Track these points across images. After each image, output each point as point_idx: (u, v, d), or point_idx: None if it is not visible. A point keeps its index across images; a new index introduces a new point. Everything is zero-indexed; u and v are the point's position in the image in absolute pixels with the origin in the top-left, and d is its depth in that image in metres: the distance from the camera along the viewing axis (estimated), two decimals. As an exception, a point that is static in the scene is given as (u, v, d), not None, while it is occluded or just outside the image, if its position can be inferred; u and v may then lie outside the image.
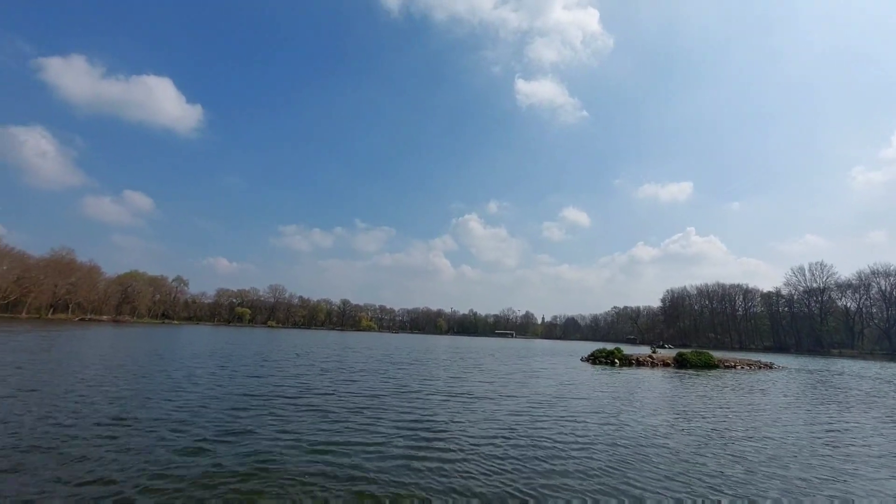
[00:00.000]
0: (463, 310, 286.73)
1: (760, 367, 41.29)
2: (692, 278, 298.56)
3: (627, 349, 59.56)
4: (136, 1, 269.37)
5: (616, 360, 40.56)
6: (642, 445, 10.31)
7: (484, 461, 8.50)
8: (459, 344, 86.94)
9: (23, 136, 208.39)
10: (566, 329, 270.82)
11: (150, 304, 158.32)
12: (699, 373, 34.32)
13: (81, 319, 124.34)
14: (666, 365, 39.75)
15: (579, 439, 10.65)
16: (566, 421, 12.86)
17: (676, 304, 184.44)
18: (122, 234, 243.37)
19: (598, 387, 22.55)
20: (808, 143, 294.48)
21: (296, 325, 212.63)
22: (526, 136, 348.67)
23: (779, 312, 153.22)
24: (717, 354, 49.80)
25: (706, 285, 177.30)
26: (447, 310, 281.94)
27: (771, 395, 22.00)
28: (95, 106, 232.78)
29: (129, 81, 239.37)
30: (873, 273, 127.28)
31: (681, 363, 40.04)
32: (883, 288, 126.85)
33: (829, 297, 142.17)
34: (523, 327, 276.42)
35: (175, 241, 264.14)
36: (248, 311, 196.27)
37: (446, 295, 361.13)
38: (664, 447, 10.22)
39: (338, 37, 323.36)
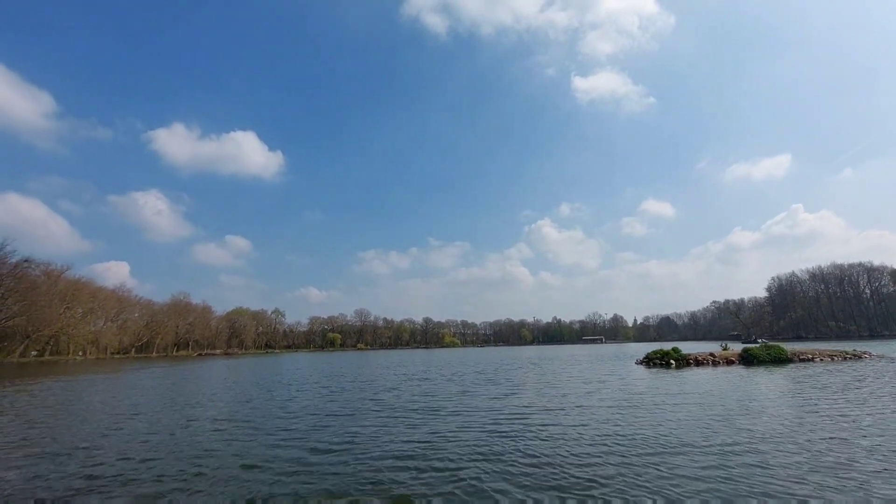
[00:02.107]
0: (546, 318, 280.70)
1: (847, 358, 36.57)
2: (806, 261, 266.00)
3: (706, 348, 55.41)
4: (215, 66, 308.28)
5: (672, 362, 38.40)
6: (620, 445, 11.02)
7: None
8: (534, 354, 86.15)
9: (142, 200, 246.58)
10: (661, 329, 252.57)
11: (254, 336, 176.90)
12: (769, 369, 31.50)
13: (199, 354, 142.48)
14: (730, 363, 36.85)
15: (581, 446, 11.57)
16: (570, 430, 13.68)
17: (785, 293, 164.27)
18: (227, 274, 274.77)
19: (640, 391, 22.35)
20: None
21: (382, 346, 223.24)
22: (590, 132, 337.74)
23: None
24: (821, 346, 44.61)
25: (819, 268, 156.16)
26: (530, 319, 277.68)
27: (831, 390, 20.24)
28: (195, 165, 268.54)
29: (221, 139, 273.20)
30: None
31: (747, 360, 36.89)
32: None
33: None
34: (612, 331, 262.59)
35: (271, 276, 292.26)
36: (339, 335, 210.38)
37: (527, 304, 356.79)
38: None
39: (391, 69, 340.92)
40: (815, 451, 9.50)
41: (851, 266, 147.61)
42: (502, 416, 15.02)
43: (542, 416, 14.84)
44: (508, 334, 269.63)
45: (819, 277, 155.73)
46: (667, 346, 47.18)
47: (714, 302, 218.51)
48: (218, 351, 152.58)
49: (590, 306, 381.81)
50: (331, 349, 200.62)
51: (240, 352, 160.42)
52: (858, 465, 8.47)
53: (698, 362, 37.54)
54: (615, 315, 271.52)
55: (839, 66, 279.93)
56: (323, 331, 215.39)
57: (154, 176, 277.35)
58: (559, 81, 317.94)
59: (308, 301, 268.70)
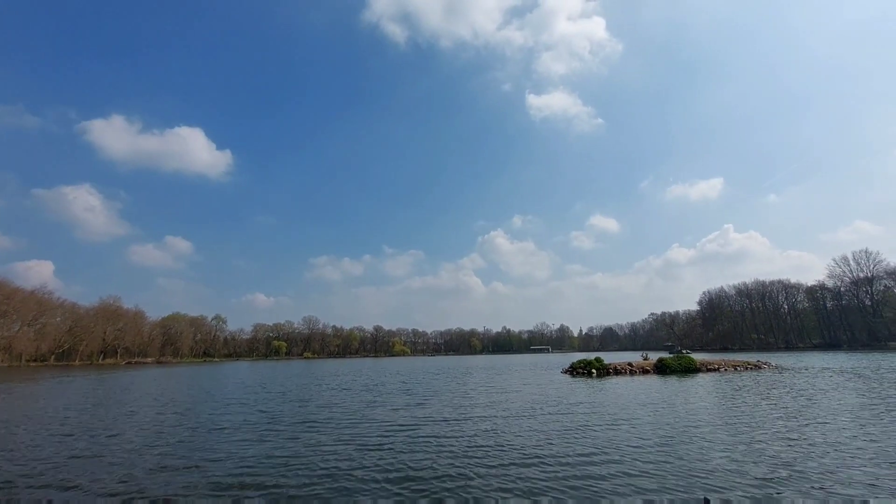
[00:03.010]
0: (497, 328, 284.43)
1: (748, 368, 39.60)
2: (736, 277, 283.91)
3: (635, 357, 58.13)
4: (164, 59, 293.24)
5: (594, 371, 40.08)
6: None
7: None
8: (477, 363, 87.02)
9: (72, 195, 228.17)
10: (604, 340, 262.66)
11: (191, 344, 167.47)
12: (680, 378, 33.43)
13: (129, 363, 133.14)
14: (645, 372, 38.91)
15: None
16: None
17: (714, 307, 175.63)
18: (165, 277, 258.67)
19: (548, 397, 22.99)
20: (845, 126, 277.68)
21: (331, 355, 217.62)
22: (543, 148, 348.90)
23: (826, 307, 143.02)
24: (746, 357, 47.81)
25: (745, 284, 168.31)
26: (480, 329, 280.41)
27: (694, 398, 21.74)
28: (135, 160, 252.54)
29: (164, 134, 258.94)
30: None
31: (661, 369, 39.11)
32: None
33: (885, 285, 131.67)
34: (559, 341, 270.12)
35: (214, 280, 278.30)
36: (285, 343, 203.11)
37: (479, 313, 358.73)
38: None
39: (352, 74, 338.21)
40: (668, 459, 10.23)
41: (772, 283, 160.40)
42: (392, 428, 15.08)
43: (434, 427, 15.04)
44: (459, 343, 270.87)
45: (744, 293, 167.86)
46: (609, 355, 49.27)
47: (652, 314, 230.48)
48: (149, 359, 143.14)
49: (540, 316, 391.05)
50: (275, 358, 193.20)
51: (174, 360, 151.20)
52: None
53: (617, 371, 39.38)
54: (562, 325, 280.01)
55: (767, 98, 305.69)
56: (268, 338, 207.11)
57: (87, 170, 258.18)
58: (514, 97, 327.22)
59: (254, 307, 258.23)
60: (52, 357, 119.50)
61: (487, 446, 11.90)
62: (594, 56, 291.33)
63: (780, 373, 35.85)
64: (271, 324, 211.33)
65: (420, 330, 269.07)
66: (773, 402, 19.36)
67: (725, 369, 38.74)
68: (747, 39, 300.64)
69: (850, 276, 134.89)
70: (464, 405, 20.93)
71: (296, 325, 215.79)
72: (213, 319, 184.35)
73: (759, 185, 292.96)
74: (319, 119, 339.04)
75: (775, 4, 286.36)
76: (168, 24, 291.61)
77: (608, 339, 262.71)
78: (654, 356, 47.96)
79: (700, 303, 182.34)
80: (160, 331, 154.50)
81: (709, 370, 38.63)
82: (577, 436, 13.04)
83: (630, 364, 41.00)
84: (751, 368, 39.68)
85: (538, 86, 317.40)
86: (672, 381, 30.86)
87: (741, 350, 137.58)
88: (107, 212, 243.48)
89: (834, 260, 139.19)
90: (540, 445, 11.85)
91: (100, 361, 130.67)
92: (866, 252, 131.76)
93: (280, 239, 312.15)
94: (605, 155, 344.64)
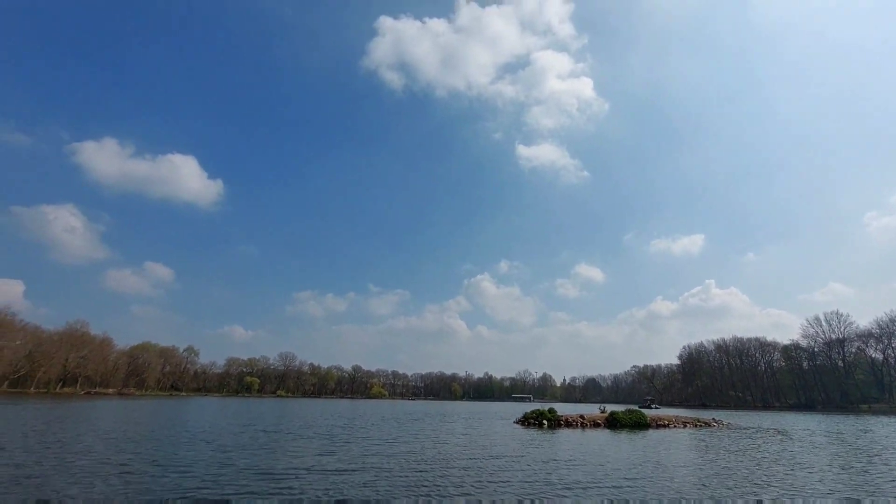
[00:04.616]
0: (479, 373, 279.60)
1: (698, 426, 39.43)
2: (718, 332, 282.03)
3: (592, 409, 57.49)
4: (167, 87, 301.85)
5: (545, 422, 39.60)
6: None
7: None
8: (448, 409, 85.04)
9: (52, 214, 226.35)
10: (586, 390, 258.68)
11: (159, 375, 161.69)
12: (631, 433, 33.15)
13: (87, 393, 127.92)
14: (596, 426, 38.55)
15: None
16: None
17: (694, 361, 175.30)
18: (140, 304, 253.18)
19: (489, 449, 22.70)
20: (818, 191, 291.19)
21: (305, 394, 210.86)
22: (531, 196, 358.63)
23: (801, 367, 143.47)
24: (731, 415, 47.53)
25: (723, 340, 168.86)
26: (462, 374, 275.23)
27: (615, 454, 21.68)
28: (123, 184, 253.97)
29: (156, 160, 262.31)
30: (893, 321, 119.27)
31: (612, 423, 38.80)
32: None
33: (858, 347, 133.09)
34: (541, 390, 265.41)
35: (192, 310, 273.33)
36: (258, 380, 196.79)
37: (463, 356, 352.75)
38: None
39: (348, 114, 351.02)
40: None
41: (749, 340, 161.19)
42: (265, 478, 13.94)
43: (313, 478, 14.37)
44: (440, 388, 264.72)
45: (723, 349, 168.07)
46: (592, 407, 48.81)
47: (634, 366, 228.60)
48: (111, 390, 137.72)
49: (523, 363, 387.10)
50: (246, 395, 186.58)
51: (138, 392, 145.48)
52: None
53: (568, 424, 38.99)
54: (545, 374, 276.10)
55: (745, 160, 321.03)
56: (241, 374, 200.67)
57: (72, 190, 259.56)
58: (505, 147, 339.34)
59: (231, 340, 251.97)
60: (6, 383, 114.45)
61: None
62: (582, 113, 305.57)
63: (732, 431, 35.74)
64: (246, 358, 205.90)
65: (400, 372, 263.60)
66: (681, 461, 19.45)
67: (675, 426, 38.53)
68: (726, 104, 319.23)
69: (822, 336, 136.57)
70: (377, 453, 20.56)
71: (271, 361, 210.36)
72: (184, 351, 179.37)
73: (739, 243, 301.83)
74: (314, 155, 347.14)
75: (752, 73, 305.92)
76: (174, 53, 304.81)
77: (591, 390, 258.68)
78: (621, 409, 47.57)
79: (680, 357, 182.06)
80: (127, 360, 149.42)
81: (659, 426, 38.38)
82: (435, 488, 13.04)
83: (582, 416, 40.66)
84: (701, 426, 39.50)
85: (528, 137, 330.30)
86: (620, 437, 30.64)
87: (719, 407, 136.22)
88: (87, 234, 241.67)
89: (807, 320, 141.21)
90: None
91: (57, 390, 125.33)
92: (837, 314, 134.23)
93: (264, 271, 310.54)
94: (591, 206, 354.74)
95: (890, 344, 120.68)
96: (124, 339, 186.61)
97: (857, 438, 31.36)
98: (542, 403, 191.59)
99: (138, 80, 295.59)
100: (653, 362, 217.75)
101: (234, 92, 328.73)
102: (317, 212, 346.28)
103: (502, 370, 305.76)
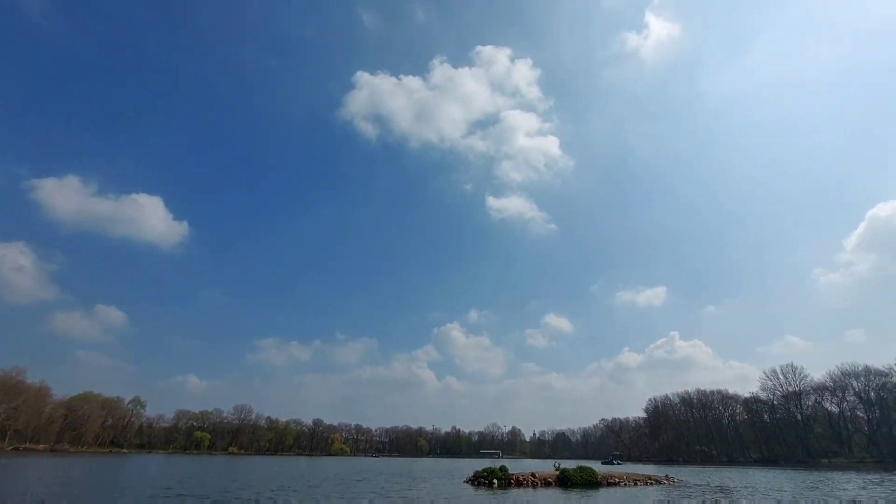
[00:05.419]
0: (447, 426, 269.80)
1: (648, 483, 38.85)
2: (683, 385, 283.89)
3: (547, 466, 55.91)
4: (137, 127, 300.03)
5: (495, 481, 38.19)
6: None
7: None
8: (409, 467, 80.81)
9: (1, 252, 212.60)
10: (556, 445, 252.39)
11: (98, 430, 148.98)
12: (582, 492, 32.23)
13: (15, 449, 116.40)
14: (548, 484, 37.44)
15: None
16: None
17: (660, 414, 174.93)
18: (87, 350, 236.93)
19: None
20: (770, 248, 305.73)
21: (261, 451, 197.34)
22: (501, 247, 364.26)
23: (763, 420, 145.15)
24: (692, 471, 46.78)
25: (688, 392, 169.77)
26: (429, 427, 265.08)
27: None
28: (80, 223, 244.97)
29: (119, 200, 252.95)
30: (844, 374, 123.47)
31: (563, 482, 37.79)
32: (857, 390, 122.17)
33: (815, 400, 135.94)
34: (510, 445, 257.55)
35: (144, 358, 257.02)
36: (209, 435, 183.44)
37: (431, 409, 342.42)
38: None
39: (322, 161, 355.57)
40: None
41: (712, 392, 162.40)
42: None
43: None
44: (405, 443, 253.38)
45: (688, 402, 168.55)
46: (566, 463, 47.37)
47: (603, 420, 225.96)
48: (42, 446, 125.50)
49: (493, 415, 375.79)
50: (195, 452, 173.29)
51: (73, 449, 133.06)
52: None
53: (519, 483, 37.70)
54: (513, 428, 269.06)
55: (703, 216, 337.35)
56: (190, 428, 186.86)
57: (25, 227, 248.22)
58: (475, 198, 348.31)
59: (184, 391, 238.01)
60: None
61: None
62: (549, 169, 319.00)
63: (679, 489, 35.32)
64: (197, 411, 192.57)
65: (364, 426, 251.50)
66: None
67: (626, 484, 37.86)
68: (682, 165, 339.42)
69: (780, 389, 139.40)
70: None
71: (225, 415, 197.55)
72: (130, 402, 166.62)
73: (699, 296, 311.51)
74: (284, 200, 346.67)
75: (705, 139, 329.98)
76: (149, 94, 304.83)
77: (560, 444, 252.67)
78: (574, 465, 46.49)
79: (646, 410, 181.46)
80: (63, 412, 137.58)
81: (610, 484, 37.66)
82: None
83: (534, 475, 39.47)
84: (651, 484, 38.93)
85: (497, 189, 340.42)
86: (570, 497, 29.74)
87: (686, 462, 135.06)
88: (37, 273, 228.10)
89: (764, 373, 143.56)
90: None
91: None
92: (792, 367, 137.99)
93: (225, 317, 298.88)
94: (558, 257, 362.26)
95: (844, 397, 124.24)
96: (66, 389, 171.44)
97: (796, 496, 31.43)
98: (511, 460, 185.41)
99: (112, 121, 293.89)
100: (621, 415, 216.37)
101: (209, 135, 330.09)
102: (285, 257, 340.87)
103: (471, 424, 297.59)
